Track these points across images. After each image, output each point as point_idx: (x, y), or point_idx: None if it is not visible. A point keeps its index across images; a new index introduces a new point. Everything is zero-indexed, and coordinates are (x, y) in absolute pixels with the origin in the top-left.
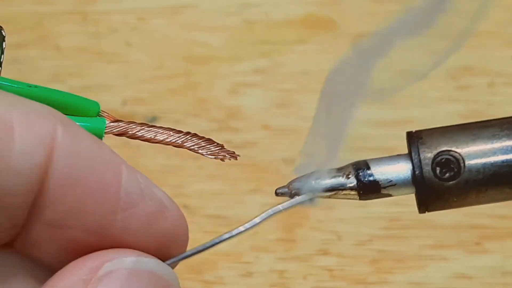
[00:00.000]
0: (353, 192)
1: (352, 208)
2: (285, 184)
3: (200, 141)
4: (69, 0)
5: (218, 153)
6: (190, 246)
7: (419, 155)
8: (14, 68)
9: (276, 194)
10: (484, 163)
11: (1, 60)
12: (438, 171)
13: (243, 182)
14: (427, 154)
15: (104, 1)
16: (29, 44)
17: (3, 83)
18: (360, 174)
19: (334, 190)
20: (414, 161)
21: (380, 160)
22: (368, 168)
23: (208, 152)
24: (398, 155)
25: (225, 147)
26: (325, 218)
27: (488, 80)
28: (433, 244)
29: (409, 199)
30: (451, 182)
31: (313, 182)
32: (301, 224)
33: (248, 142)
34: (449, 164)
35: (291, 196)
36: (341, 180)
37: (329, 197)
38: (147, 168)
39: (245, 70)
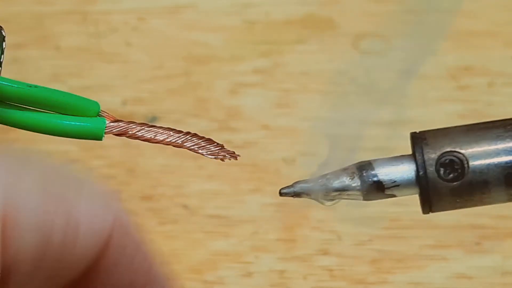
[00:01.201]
0: (357, 193)
1: (352, 208)
2: (290, 185)
3: (200, 141)
4: (69, 0)
5: (218, 153)
6: (190, 246)
7: (423, 155)
8: (14, 68)
9: (280, 194)
10: (488, 164)
11: (1, 60)
12: (442, 172)
13: (243, 182)
14: (431, 155)
15: (104, 1)
16: (29, 44)
17: (3, 83)
18: (364, 175)
19: (338, 191)
20: (418, 162)
21: (384, 160)
22: (372, 168)
23: (208, 152)
24: (402, 155)
25: (225, 147)
26: (325, 218)
27: (488, 80)
28: (433, 244)
29: (409, 199)
30: (455, 183)
31: (318, 184)
32: (301, 224)
33: (248, 142)
34: (453, 165)
35: (294, 196)
36: (345, 181)
37: (334, 198)
38: (147, 168)
39: (245, 70)
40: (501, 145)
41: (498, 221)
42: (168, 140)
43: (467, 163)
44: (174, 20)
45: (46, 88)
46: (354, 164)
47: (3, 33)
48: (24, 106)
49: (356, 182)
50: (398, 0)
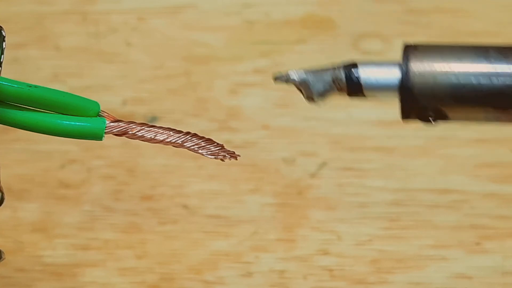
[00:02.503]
0: (343, 91)
1: (352, 208)
2: (284, 72)
3: (200, 141)
4: (69, 0)
5: (218, 153)
6: (190, 246)
7: (407, 67)
8: (14, 68)
9: (275, 79)
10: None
11: (1, 60)
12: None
13: (243, 182)
14: (418, 70)
15: (104, 1)
16: (29, 44)
17: (3, 83)
18: (351, 74)
19: (326, 87)
20: (403, 72)
21: (371, 64)
22: (357, 69)
23: (208, 152)
24: (391, 62)
25: (225, 147)
26: (325, 218)
27: None
28: (433, 244)
29: (409, 199)
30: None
31: (309, 76)
32: (301, 224)
33: (248, 142)
34: (434, 98)
35: (286, 82)
36: (332, 78)
37: (321, 94)
38: (147, 168)
39: (245, 70)
40: (483, 68)
41: (498, 221)
42: (168, 140)
43: (449, 101)
44: (174, 20)
45: (46, 88)
46: (341, 63)
47: (3, 33)
48: (24, 106)
49: (341, 82)
50: (398, 0)
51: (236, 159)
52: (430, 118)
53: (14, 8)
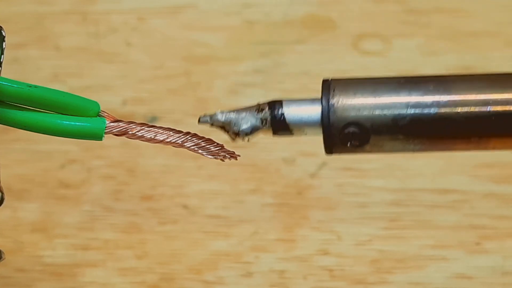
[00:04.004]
0: (267, 130)
1: (352, 208)
2: (209, 114)
3: (200, 141)
4: (69, 0)
5: (218, 153)
6: (190, 246)
7: (328, 102)
8: (14, 68)
9: (199, 121)
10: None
11: (1, 60)
12: (345, 136)
13: (243, 182)
14: (338, 106)
15: (104, 1)
16: (29, 44)
17: (3, 83)
18: (275, 113)
19: (251, 128)
20: (323, 107)
21: (294, 101)
22: (282, 108)
23: (208, 152)
24: (311, 99)
25: (225, 147)
26: (325, 218)
27: None
28: (433, 244)
29: (409, 199)
30: (357, 144)
31: (233, 118)
32: (301, 224)
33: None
34: (356, 135)
35: (211, 125)
36: (257, 119)
37: (246, 134)
38: (147, 168)
39: (245, 70)
40: (396, 99)
41: (498, 221)
42: (168, 140)
43: (370, 136)
44: (174, 20)
45: (46, 88)
46: (266, 102)
47: (3, 33)
48: (24, 106)
49: (267, 121)
50: (398, 0)
51: (236, 159)
52: (353, 150)
53: (14, 8)
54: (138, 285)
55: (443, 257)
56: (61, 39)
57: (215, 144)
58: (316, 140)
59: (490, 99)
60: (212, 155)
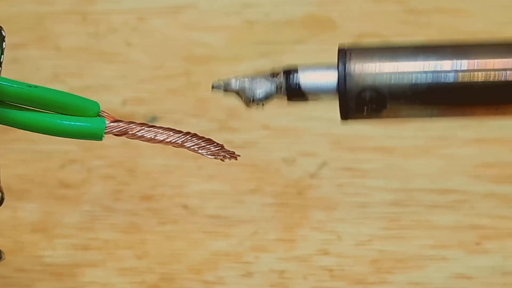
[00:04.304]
0: (282, 96)
1: (352, 208)
2: (222, 80)
3: (200, 141)
4: (69, 0)
5: (218, 153)
6: (190, 246)
7: (345, 69)
8: (14, 68)
9: (212, 87)
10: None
11: (1, 60)
12: (362, 101)
13: (243, 182)
14: (354, 71)
15: (104, 1)
16: (29, 44)
17: (3, 83)
18: (289, 79)
19: (265, 94)
20: (339, 73)
21: (309, 67)
22: (297, 74)
23: (208, 152)
24: (327, 65)
25: (225, 147)
26: (325, 218)
27: None
28: (433, 244)
29: (409, 199)
30: (374, 107)
31: (248, 84)
32: (301, 224)
33: (248, 142)
34: (372, 100)
35: (225, 92)
36: (272, 84)
37: (261, 100)
38: (147, 168)
39: (245, 70)
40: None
41: (498, 221)
42: (168, 140)
43: (386, 101)
44: (174, 20)
45: (46, 88)
46: (281, 68)
47: (3, 33)
48: (24, 106)
49: (282, 87)
50: (398, 0)
51: (236, 159)
52: (370, 116)
53: (14, 8)
54: (138, 285)
55: (443, 257)
56: (61, 39)
57: (215, 144)
58: (316, 140)
59: (510, 65)
60: (212, 155)
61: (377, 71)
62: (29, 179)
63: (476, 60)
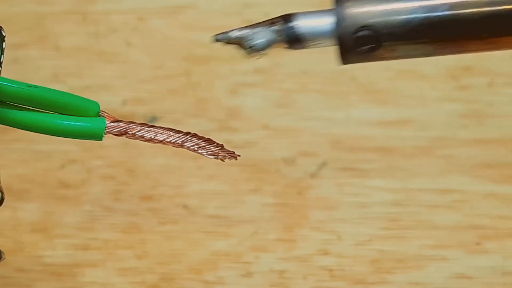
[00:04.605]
0: (283, 44)
1: (352, 208)
2: (224, 32)
3: (200, 141)
4: (69, 0)
5: (218, 153)
6: (190, 246)
7: (340, 9)
8: (14, 68)
9: (215, 39)
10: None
11: (1, 60)
12: (357, 39)
13: (243, 182)
14: (350, 12)
15: (104, 1)
16: (29, 44)
17: (3, 83)
18: (288, 26)
19: (267, 42)
20: (337, 16)
21: (306, 13)
22: (295, 20)
23: (208, 152)
24: (324, 10)
25: (225, 147)
26: (325, 218)
27: (488, 80)
28: (433, 244)
29: (409, 199)
30: (369, 47)
31: (249, 34)
32: (301, 224)
33: (248, 142)
34: (369, 38)
35: (227, 43)
36: (271, 33)
37: (263, 48)
38: (147, 168)
39: (245, 70)
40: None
41: (498, 221)
42: (168, 140)
43: (382, 39)
44: (174, 20)
45: (46, 88)
46: (280, 16)
47: (3, 33)
48: (24, 106)
49: (281, 33)
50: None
51: (236, 159)
52: (367, 55)
53: (14, 8)
54: (138, 285)
55: (443, 257)
56: (61, 39)
57: (215, 144)
58: (316, 140)
59: None
60: (212, 155)
61: (371, 10)
62: (29, 179)
63: None
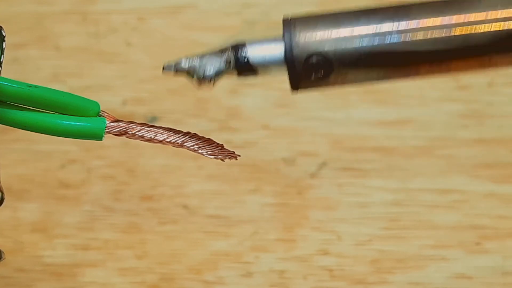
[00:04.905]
0: (232, 72)
1: (352, 208)
2: (172, 62)
3: (200, 141)
4: (69, 0)
5: (218, 153)
6: (190, 246)
7: (291, 39)
8: (14, 68)
9: (163, 69)
10: (349, 51)
11: (1, 60)
12: (309, 69)
13: (243, 182)
14: (300, 40)
15: (104, 1)
16: (29, 44)
17: (3, 83)
18: (238, 55)
19: (216, 72)
20: (286, 45)
21: (256, 41)
22: (245, 48)
23: (208, 152)
24: (273, 38)
25: (225, 147)
26: (325, 218)
27: (488, 80)
28: (433, 244)
29: (409, 199)
30: (320, 75)
31: (199, 63)
32: (301, 224)
33: (248, 142)
34: (319, 65)
35: (176, 73)
36: (221, 62)
37: (212, 78)
38: (147, 168)
39: None
40: (358, 30)
41: (498, 221)
42: (168, 140)
43: (333, 66)
44: (174, 20)
45: (46, 88)
46: (230, 44)
47: (3, 33)
48: (24, 106)
49: (231, 62)
50: (398, 0)
51: (236, 159)
52: (319, 83)
53: (14, 8)
54: (138, 285)
55: (443, 257)
56: (61, 39)
57: (215, 144)
58: (316, 140)
59: (449, 22)
60: (212, 155)
61: (321, 37)
62: (29, 179)
63: (416, 20)
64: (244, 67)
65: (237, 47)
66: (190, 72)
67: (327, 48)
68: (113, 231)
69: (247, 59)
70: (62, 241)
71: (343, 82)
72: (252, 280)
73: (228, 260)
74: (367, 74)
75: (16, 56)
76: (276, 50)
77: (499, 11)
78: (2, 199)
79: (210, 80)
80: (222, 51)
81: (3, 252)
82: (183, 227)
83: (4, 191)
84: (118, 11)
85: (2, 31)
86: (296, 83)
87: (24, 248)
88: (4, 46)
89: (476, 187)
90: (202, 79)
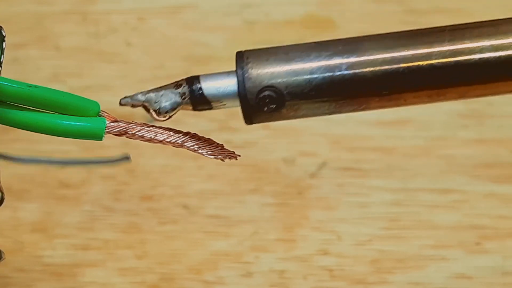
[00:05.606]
0: (187, 106)
1: (352, 208)
2: (129, 96)
3: (200, 141)
4: (69, 0)
5: (218, 153)
6: (190, 246)
7: (243, 74)
8: (14, 68)
9: (120, 103)
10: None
11: (1, 60)
12: (262, 102)
13: (243, 182)
14: (253, 73)
15: (104, 1)
16: (29, 44)
17: (3, 83)
18: (193, 89)
19: (171, 106)
20: (238, 78)
21: (210, 76)
22: (199, 83)
23: (208, 152)
24: (227, 72)
25: (225, 147)
26: (325, 218)
27: None
28: (433, 244)
29: (409, 199)
30: (272, 107)
31: (154, 98)
32: (301, 224)
33: (248, 142)
34: (271, 97)
35: (132, 106)
36: (176, 96)
37: (168, 112)
38: (147, 168)
39: None
40: (311, 65)
41: (498, 221)
42: (168, 140)
43: (285, 98)
44: (174, 20)
45: (46, 88)
46: (184, 79)
47: (3, 33)
48: (24, 106)
49: (186, 96)
50: (398, 0)
51: (236, 159)
52: (272, 116)
53: (14, 8)
54: (138, 285)
55: (443, 257)
56: (61, 39)
57: (215, 144)
58: (316, 140)
59: (396, 56)
60: (212, 155)
61: (273, 70)
62: (29, 179)
63: (364, 56)
64: (198, 100)
65: (191, 81)
66: (146, 106)
67: (279, 81)
68: (113, 231)
69: (202, 92)
70: (62, 241)
71: (296, 114)
72: (252, 280)
73: (228, 260)
74: (319, 107)
75: (16, 56)
76: (230, 83)
77: (446, 47)
78: (2, 199)
79: (166, 113)
80: (177, 85)
81: (3, 252)
82: (183, 227)
83: (4, 191)
84: (118, 11)
85: (2, 31)
86: (250, 116)
87: (24, 248)
88: (4, 46)
89: (476, 187)
90: (158, 113)
